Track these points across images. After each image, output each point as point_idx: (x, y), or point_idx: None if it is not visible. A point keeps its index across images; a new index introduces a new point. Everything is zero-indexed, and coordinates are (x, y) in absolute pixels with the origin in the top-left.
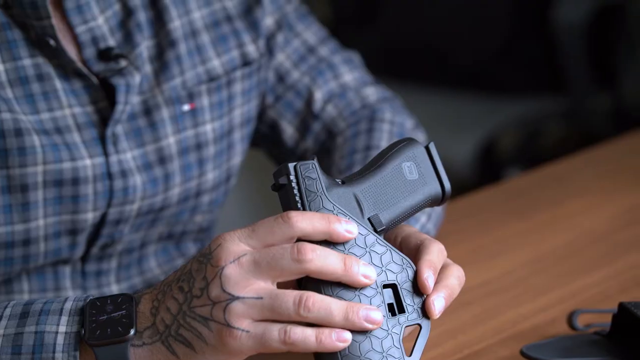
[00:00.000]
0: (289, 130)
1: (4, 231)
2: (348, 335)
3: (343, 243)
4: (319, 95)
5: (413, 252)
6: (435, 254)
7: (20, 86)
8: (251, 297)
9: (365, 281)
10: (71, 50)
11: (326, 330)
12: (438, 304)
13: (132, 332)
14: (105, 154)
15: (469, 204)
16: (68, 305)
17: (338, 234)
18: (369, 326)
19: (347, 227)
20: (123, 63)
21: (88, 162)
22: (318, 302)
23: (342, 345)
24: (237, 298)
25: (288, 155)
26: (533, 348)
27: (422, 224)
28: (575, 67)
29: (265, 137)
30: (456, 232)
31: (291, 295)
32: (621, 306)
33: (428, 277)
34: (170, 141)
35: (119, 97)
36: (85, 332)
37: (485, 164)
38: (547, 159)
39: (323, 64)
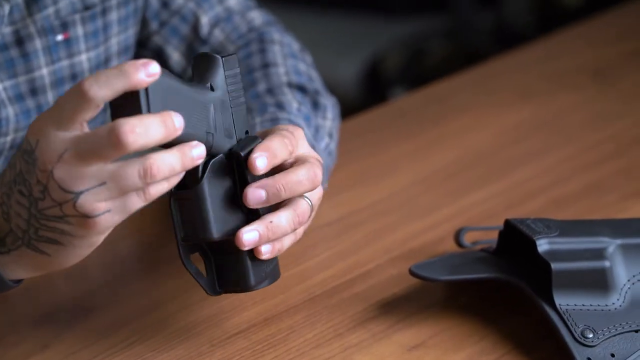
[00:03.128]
0: (174, 56)
1: None
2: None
3: None
4: (205, 20)
5: None
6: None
7: None
8: (94, 187)
9: (196, 163)
10: None
11: (174, 179)
12: (253, 195)
13: None
14: None
15: (355, 125)
16: None
17: (138, 80)
18: (198, 161)
19: (148, 71)
20: None
21: None
22: (161, 165)
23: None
24: (81, 192)
25: None
26: (421, 267)
27: (325, 144)
28: None
29: None
30: (343, 154)
31: (134, 169)
32: (507, 223)
33: (259, 156)
34: (44, 72)
35: None
36: None
37: (370, 84)
38: (432, 78)
39: None
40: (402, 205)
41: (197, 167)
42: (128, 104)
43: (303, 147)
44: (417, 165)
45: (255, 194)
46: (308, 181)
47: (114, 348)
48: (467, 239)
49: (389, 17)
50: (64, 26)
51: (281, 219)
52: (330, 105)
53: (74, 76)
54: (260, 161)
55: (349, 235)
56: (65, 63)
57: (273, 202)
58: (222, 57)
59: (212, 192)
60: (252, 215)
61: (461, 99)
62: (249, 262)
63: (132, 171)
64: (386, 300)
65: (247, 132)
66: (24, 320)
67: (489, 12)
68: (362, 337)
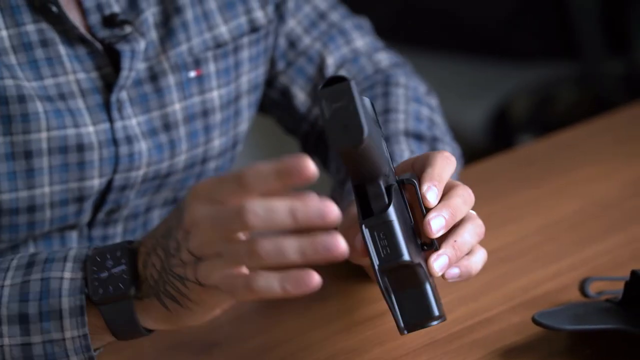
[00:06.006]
0: (300, 96)
1: (8, 198)
2: (315, 277)
3: None
4: (331, 61)
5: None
6: (439, 164)
7: (23, 52)
8: (212, 257)
9: (326, 221)
10: (75, 16)
11: (292, 275)
12: (435, 223)
13: (132, 290)
14: (110, 120)
15: (481, 170)
16: (72, 252)
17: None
18: (332, 255)
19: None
20: (128, 29)
21: (91, 129)
22: (267, 246)
23: (311, 286)
24: (201, 259)
25: (299, 122)
26: (545, 315)
27: None
28: (588, 31)
29: (275, 103)
30: None
31: (244, 245)
32: (633, 274)
33: (429, 188)
34: (176, 108)
35: (123, 63)
36: (88, 290)
37: (497, 130)
38: (560, 124)
39: (334, 30)
40: (526, 252)
41: (382, 194)
42: (342, 110)
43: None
44: (542, 212)
45: (438, 222)
46: (468, 201)
47: None
48: (592, 289)
49: (518, 62)
50: (197, 63)
51: (464, 235)
52: (450, 152)
53: (205, 112)
54: (432, 194)
55: (471, 280)
56: (197, 99)
57: (449, 227)
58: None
59: (398, 215)
60: (427, 244)
61: (589, 147)
62: (430, 292)
63: (242, 246)
64: (507, 348)
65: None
66: (148, 353)
67: (620, 59)
68: None
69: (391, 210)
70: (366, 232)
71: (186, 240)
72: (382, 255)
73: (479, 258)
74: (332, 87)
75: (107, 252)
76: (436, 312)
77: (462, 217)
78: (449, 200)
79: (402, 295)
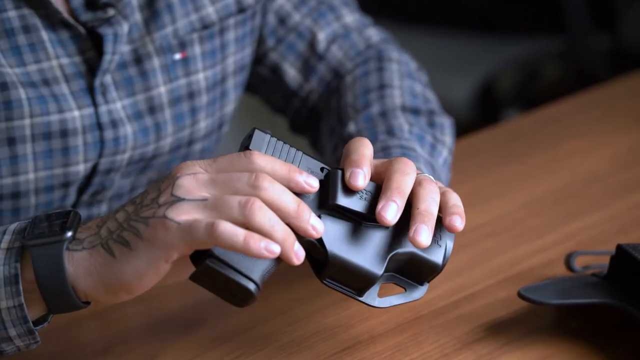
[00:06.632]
0: (291, 72)
1: None
2: (276, 248)
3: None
4: (322, 36)
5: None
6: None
7: (5, 38)
8: (196, 199)
9: (312, 233)
10: (58, 0)
11: (256, 236)
12: (388, 213)
13: (68, 234)
14: (95, 104)
15: (467, 145)
16: (13, 226)
17: (297, 182)
18: (296, 261)
19: (307, 180)
20: (111, 12)
21: (76, 113)
22: (265, 210)
23: (267, 254)
24: (183, 199)
25: (289, 99)
26: (530, 289)
27: (444, 159)
28: (573, 6)
29: (265, 80)
30: (454, 174)
31: (237, 197)
32: (619, 248)
33: (351, 174)
34: (161, 90)
35: (106, 46)
36: (26, 236)
37: (483, 105)
38: (546, 99)
39: (323, 6)
40: (511, 227)
41: (315, 245)
42: None
43: None
44: (527, 187)
45: (388, 209)
46: (410, 170)
47: None
48: (578, 263)
49: (504, 37)
50: (182, 45)
51: (425, 200)
52: (447, 124)
53: (190, 95)
54: (358, 178)
55: (457, 256)
56: (182, 82)
57: (402, 207)
58: (246, 146)
59: (342, 247)
60: (390, 229)
61: (575, 121)
62: (422, 254)
63: (235, 197)
64: (493, 322)
65: (322, 169)
66: (133, 330)
67: (605, 34)
68: (469, 358)
69: (332, 253)
70: (329, 284)
71: (171, 186)
72: (356, 287)
73: (453, 200)
74: (197, 270)
75: (54, 212)
76: (440, 262)
77: (410, 186)
78: (389, 178)
79: (404, 271)
